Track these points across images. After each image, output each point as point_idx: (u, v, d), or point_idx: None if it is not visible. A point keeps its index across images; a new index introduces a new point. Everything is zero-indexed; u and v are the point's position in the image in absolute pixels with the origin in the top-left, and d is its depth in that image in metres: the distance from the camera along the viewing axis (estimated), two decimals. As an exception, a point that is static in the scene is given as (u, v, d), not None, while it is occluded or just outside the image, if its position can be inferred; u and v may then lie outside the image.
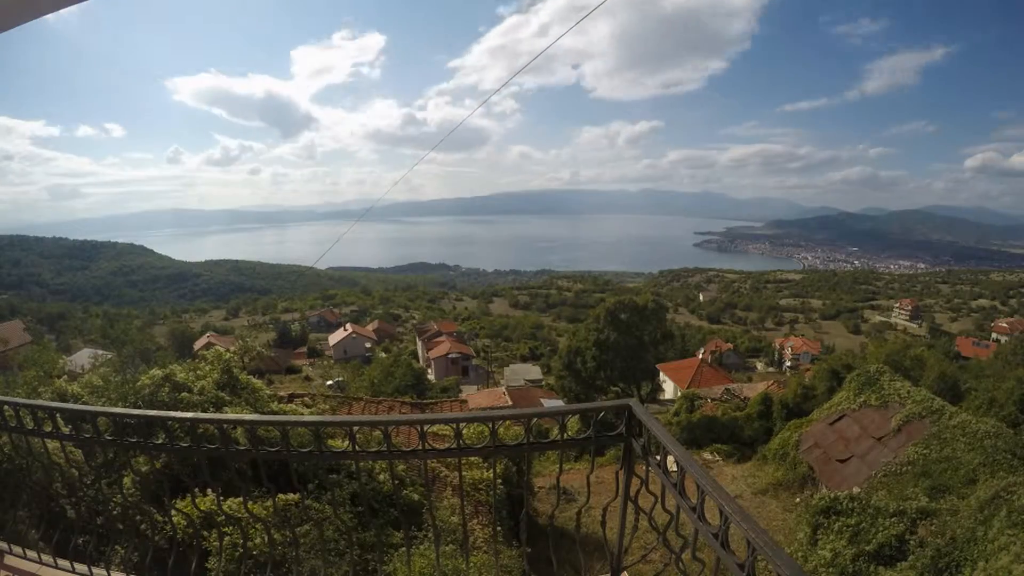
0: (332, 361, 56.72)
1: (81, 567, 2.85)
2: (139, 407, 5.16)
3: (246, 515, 3.12)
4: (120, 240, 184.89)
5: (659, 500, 2.13)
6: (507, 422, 4.72)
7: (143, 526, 3.90)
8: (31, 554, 3.00)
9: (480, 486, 6.44)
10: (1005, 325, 76.23)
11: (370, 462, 5.13)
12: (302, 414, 7.12)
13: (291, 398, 9.58)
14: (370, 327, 70.95)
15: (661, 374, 35.82)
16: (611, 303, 36.81)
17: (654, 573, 2.59)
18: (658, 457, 2.11)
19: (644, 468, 2.22)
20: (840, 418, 12.25)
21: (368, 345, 61.68)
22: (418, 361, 49.32)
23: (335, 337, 63.42)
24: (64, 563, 2.90)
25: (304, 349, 64.34)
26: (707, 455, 15.15)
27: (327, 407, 9.87)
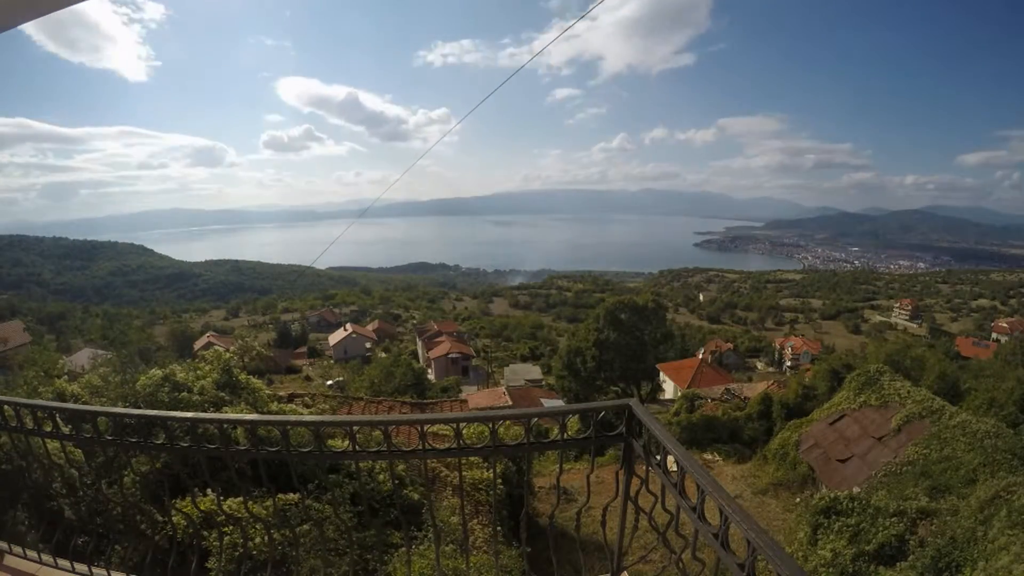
0: (332, 361, 56.68)
1: (81, 567, 2.85)
2: (139, 407, 5.16)
3: (246, 515, 3.12)
4: (120, 240, 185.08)
5: (659, 500, 2.13)
6: (507, 422, 4.71)
7: (143, 526, 3.90)
8: (31, 554, 2.99)
9: (480, 486, 6.43)
10: (1005, 325, 76.22)
11: (370, 462, 5.13)
12: (302, 414, 7.12)
13: (291, 398, 9.58)
14: (370, 327, 70.94)
15: (661, 374, 35.82)
16: (611, 303, 36.79)
17: (654, 573, 2.59)
18: (658, 457, 2.11)
19: (644, 468, 2.22)
20: (840, 418, 12.25)
21: (368, 345, 61.67)
22: (418, 361, 49.30)
23: (335, 337, 63.41)
24: (64, 563, 2.90)
25: (304, 349, 64.29)
26: (707, 455, 15.15)
27: (327, 407, 9.86)
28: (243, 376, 6.69)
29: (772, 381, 27.86)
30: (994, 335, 73.86)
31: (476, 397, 27.46)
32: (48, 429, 2.68)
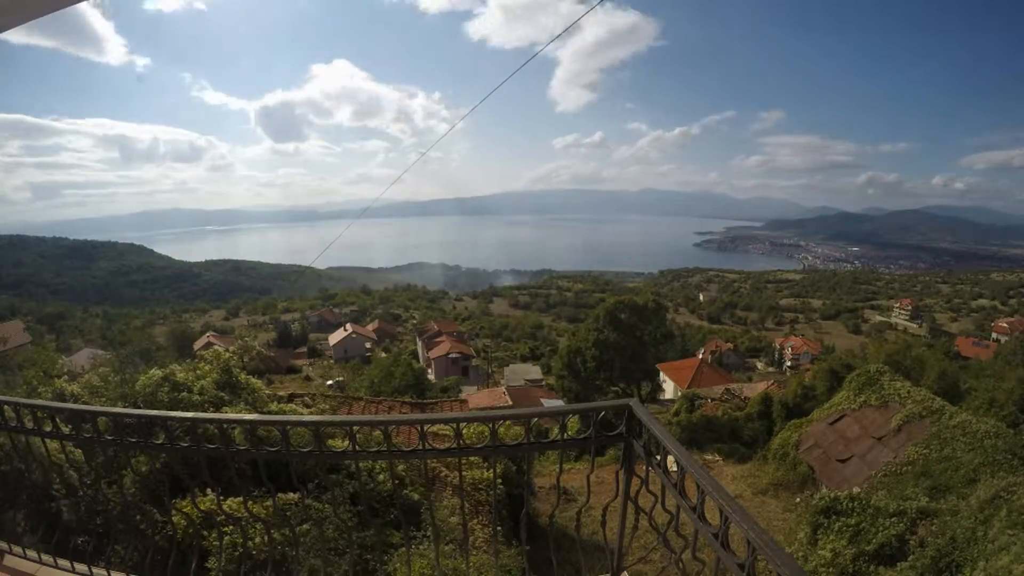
0: (332, 361, 56.74)
1: (81, 567, 2.85)
2: (139, 407, 5.16)
3: (246, 515, 3.12)
4: (120, 240, 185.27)
5: (659, 500, 2.13)
6: (507, 422, 4.71)
7: (143, 526, 3.90)
8: (31, 554, 2.99)
9: (480, 486, 6.43)
10: (1005, 325, 76.23)
11: (370, 462, 5.13)
12: (302, 414, 7.12)
13: (291, 398, 9.59)
14: (370, 327, 70.97)
15: (661, 374, 35.84)
16: (611, 303, 36.81)
17: (654, 573, 2.59)
18: (658, 457, 2.11)
19: (644, 468, 2.22)
20: (840, 418, 12.24)
21: (368, 345, 61.70)
22: (418, 361, 49.33)
23: (335, 337, 63.43)
24: (64, 563, 2.90)
25: (304, 349, 64.36)
26: (707, 455, 15.15)
27: (327, 407, 9.87)
28: (243, 376, 6.68)
29: (772, 381, 27.89)
30: (994, 335, 73.88)
31: (476, 397, 27.47)
32: (48, 429, 2.68)
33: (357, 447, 2.35)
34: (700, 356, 41.91)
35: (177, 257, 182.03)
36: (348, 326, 64.98)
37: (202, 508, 3.76)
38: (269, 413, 6.31)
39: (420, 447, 2.29)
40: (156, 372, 5.89)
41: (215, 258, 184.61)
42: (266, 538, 3.40)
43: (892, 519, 7.06)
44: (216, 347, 8.82)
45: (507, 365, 53.15)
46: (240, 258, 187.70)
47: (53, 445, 3.20)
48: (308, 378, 46.02)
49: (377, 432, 3.76)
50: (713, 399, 20.94)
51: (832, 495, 8.01)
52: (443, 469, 6.80)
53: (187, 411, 4.89)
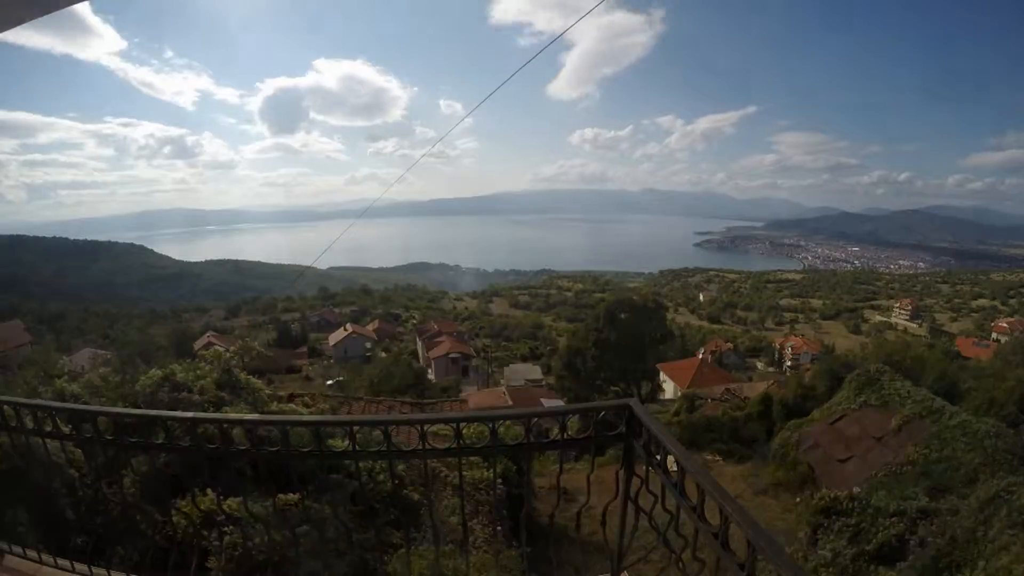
0: (332, 361, 56.74)
1: (81, 567, 2.85)
2: (139, 407, 5.16)
3: (246, 515, 3.13)
4: (120, 240, 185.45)
5: (659, 500, 2.13)
6: (507, 422, 4.71)
7: (143, 526, 3.90)
8: (31, 554, 3.00)
9: (480, 486, 6.44)
10: (1005, 325, 76.18)
11: (370, 462, 5.12)
12: (302, 414, 7.12)
13: (291, 398, 9.58)
14: (370, 327, 70.97)
15: (661, 374, 35.84)
16: (611, 303, 36.85)
17: (654, 573, 2.59)
18: (658, 457, 2.11)
19: (644, 468, 2.22)
20: (840, 418, 12.25)
21: (368, 345, 61.70)
22: (418, 361, 49.33)
23: (335, 337, 63.43)
24: (64, 563, 2.90)
25: (304, 349, 64.33)
26: (707, 455, 15.15)
27: (327, 407, 9.88)
28: (243, 376, 6.69)
29: (772, 381, 27.88)
30: (994, 335, 73.83)
31: (476, 397, 27.46)
32: (48, 429, 2.68)
33: (357, 447, 2.35)
34: (700, 356, 41.95)
35: (177, 257, 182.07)
36: (348, 326, 64.98)
37: (202, 508, 3.76)
38: (269, 413, 6.31)
39: (420, 447, 2.29)
40: (156, 372, 5.89)
41: (215, 258, 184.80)
42: (266, 538, 3.40)
43: (892, 519, 7.07)
44: (216, 347, 8.83)
45: (507, 365, 53.21)
46: (240, 258, 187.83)
47: (53, 445, 3.20)
48: (308, 378, 46.01)
49: (377, 432, 3.76)
50: (713, 399, 20.94)
51: (832, 495, 8.02)
52: (443, 469, 6.80)
53: (187, 411, 4.89)
